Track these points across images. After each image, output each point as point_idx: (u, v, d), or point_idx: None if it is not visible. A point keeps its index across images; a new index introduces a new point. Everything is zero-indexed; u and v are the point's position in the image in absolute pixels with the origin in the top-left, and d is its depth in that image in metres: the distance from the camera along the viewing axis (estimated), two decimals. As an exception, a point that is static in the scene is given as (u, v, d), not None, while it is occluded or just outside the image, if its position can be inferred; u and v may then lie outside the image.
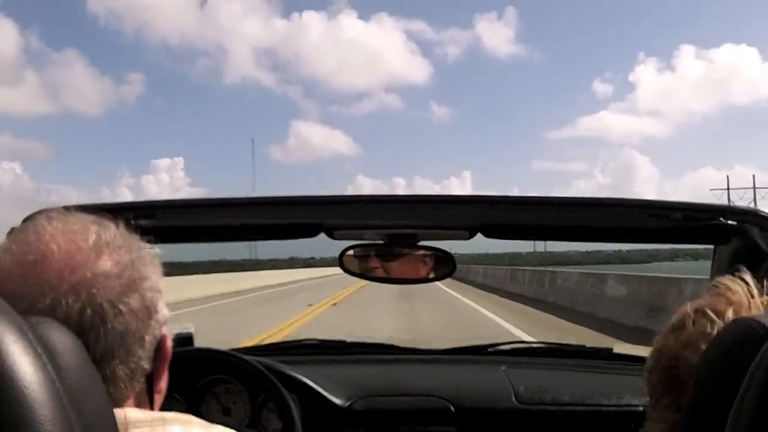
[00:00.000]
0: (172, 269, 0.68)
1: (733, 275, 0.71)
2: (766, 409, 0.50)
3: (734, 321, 0.62)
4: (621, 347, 1.72)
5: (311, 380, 1.48)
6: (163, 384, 0.68)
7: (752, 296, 0.67)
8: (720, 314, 0.66)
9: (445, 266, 1.43)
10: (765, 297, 0.67)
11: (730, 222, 1.28)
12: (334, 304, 17.74)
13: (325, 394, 1.48)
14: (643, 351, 1.65)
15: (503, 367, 1.64)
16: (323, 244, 1.42)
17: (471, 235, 1.40)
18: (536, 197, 1.42)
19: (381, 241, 1.41)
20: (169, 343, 0.67)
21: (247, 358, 1.36)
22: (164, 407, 0.68)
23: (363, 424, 1.49)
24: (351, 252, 1.42)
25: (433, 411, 1.49)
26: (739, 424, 0.51)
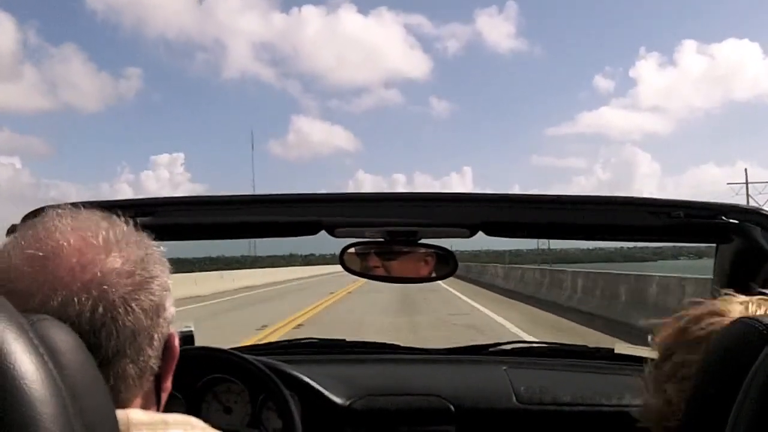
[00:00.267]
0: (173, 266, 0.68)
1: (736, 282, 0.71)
2: (767, 411, 0.50)
3: (735, 321, 0.61)
4: (622, 347, 1.71)
5: (311, 379, 1.48)
6: (169, 383, 0.68)
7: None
8: (722, 315, 0.66)
9: (446, 265, 1.42)
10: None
11: (731, 220, 1.28)
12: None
13: (326, 393, 1.48)
14: (644, 351, 1.65)
15: (504, 367, 1.64)
16: (323, 241, 1.42)
17: (472, 233, 1.40)
18: (537, 195, 1.42)
19: (381, 239, 1.41)
20: (177, 342, 0.67)
21: (248, 357, 1.36)
22: (165, 406, 0.68)
23: (363, 424, 1.49)
24: (352, 250, 1.42)
25: (434, 411, 1.49)
26: (739, 426, 0.51)
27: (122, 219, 0.66)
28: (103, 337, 0.58)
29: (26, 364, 0.46)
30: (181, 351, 0.69)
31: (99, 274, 0.59)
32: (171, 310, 0.66)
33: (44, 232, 0.61)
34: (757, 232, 1.25)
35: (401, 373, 1.67)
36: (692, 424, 0.62)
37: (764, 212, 1.28)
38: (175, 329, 0.68)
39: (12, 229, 0.69)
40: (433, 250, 1.41)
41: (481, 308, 14.89)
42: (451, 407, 1.48)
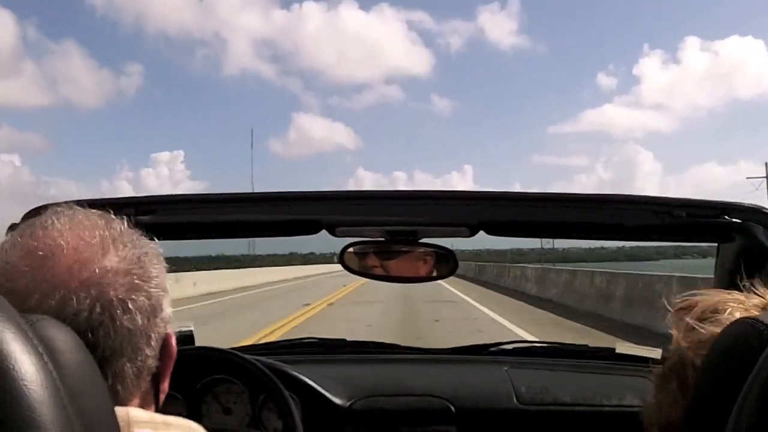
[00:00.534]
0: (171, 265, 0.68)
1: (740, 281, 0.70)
2: (767, 412, 0.49)
3: (736, 321, 0.61)
4: (623, 347, 1.71)
5: (312, 380, 1.48)
6: (167, 383, 0.68)
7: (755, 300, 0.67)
8: (723, 314, 0.66)
9: (446, 264, 1.42)
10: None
11: (734, 220, 1.27)
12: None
13: (326, 393, 1.48)
14: (645, 351, 1.65)
15: (504, 367, 1.64)
16: (323, 240, 1.42)
17: (473, 233, 1.40)
18: (539, 194, 1.42)
19: (382, 238, 1.41)
20: (174, 342, 0.67)
21: (248, 357, 1.35)
22: (164, 407, 0.68)
23: (363, 424, 1.49)
24: (351, 249, 1.42)
25: (434, 411, 1.49)
26: (740, 426, 0.51)
27: (120, 218, 0.66)
28: (100, 337, 0.58)
29: (25, 365, 0.45)
30: (180, 351, 0.69)
31: (96, 273, 0.59)
32: (168, 310, 0.66)
33: (42, 231, 0.61)
34: (760, 231, 1.25)
35: (402, 373, 1.67)
36: (693, 423, 0.62)
37: (766, 211, 1.27)
38: (173, 329, 0.67)
39: (12, 228, 0.69)
40: (433, 249, 1.41)
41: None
42: (452, 407, 1.48)
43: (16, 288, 0.57)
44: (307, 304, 16.09)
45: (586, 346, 1.86)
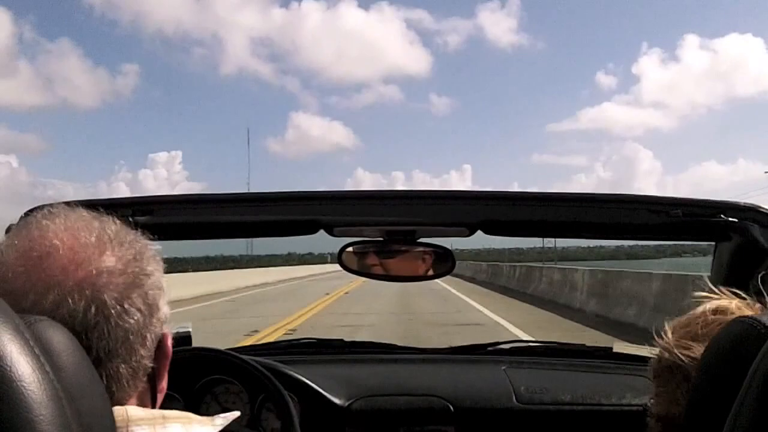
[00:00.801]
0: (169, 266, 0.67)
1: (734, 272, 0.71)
2: (766, 410, 0.49)
3: (734, 320, 0.61)
4: (621, 346, 1.71)
5: (310, 380, 1.48)
6: (164, 383, 0.68)
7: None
8: (722, 313, 0.66)
9: (444, 263, 1.42)
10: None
11: (730, 219, 1.28)
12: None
13: (325, 393, 1.48)
14: (643, 350, 1.65)
15: (503, 367, 1.64)
16: (322, 240, 1.42)
17: (471, 232, 1.40)
18: (537, 193, 1.42)
19: (380, 238, 1.41)
20: (170, 343, 0.67)
21: (246, 357, 1.35)
22: (163, 407, 0.68)
23: (362, 424, 1.49)
24: (350, 249, 1.42)
25: (433, 411, 1.49)
26: (739, 425, 0.51)
27: (117, 218, 0.66)
28: (95, 337, 0.58)
29: (23, 366, 0.45)
30: (178, 352, 0.69)
31: (92, 273, 0.59)
32: (165, 310, 0.66)
33: (38, 231, 0.61)
34: (756, 230, 1.25)
35: (400, 373, 1.67)
36: (692, 423, 0.62)
37: (763, 210, 1.28)
38: (169, 329, 0.67)
39: (9, 230, 0.69)
40: (431, 249, 1.41)
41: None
42: (451, 407, 1.48)
43: (11, 288, 0.57)
44: (255, 332, 10.20)
45: (584, 345, 1.86)
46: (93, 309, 0.58)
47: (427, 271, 1.42)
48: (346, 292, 20.82)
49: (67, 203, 0.67)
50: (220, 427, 0.66)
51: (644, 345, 1.60)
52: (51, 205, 0.66)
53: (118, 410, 0.57)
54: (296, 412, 1.29)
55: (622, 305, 10.50)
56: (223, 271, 30.33)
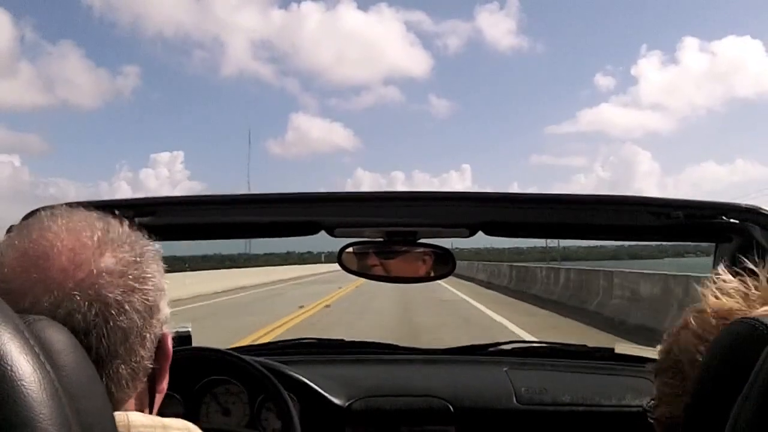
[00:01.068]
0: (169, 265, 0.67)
1: (735, 273, 0.70)
2: (767, 413, 0.49)
3: (735, 321, 0.61)
4: (622, 347, 1.71)
5: (310, 380, 1.48)
6: (164, 384, 0.68)
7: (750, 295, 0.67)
8: (723, 313, 0.66)
9: (445, 264, 1.42)
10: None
11: (731, 220, 1.28)
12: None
13: (325, 393, 1.48)
14: (644, 351, 1.65)
15: (504, 368, 1.64)
16: (322, 240, 1.42)
17: (471, 233, 1.40)
18: (537, 194, 1.42)
19: (380, 239, 1.41)
20: (170, 343, 0.67)
21: (246, 357, 1.35)
22: (163, 407, 0.68)
23: (362, 424, 1.49)
24: (350, 250, 1.42)
25: (433, 411, 1.49)
26: (740, 426, 0.51)
27: (119, 219, 0.66)
28: (94, 338, 0.58)
29: (23, 366, 0.45)
30: (179, 352, 0.69)
31: (92, 273, 0.59)
32: (165, 310, 0.66)
33: (38, 232, 0.61)
34: (757, 231, 1.25)
35: (401, 373, 1.67)
36: (693, 423, 0.62)
37: (764, 211, 1.28)
38: (169, 329, 0.67)
39: (11, 230, 0.69)
40: (431, 250, 1.41)
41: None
42: (451, 408, 1.48)
43: (11, 289, 0.57)
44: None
45: (585, 346, 1.86)
46: (93, 309, 0.58)
47: (428, 272, 1.42)
48: (328, 305, 15.62)
49: (70, 204, 0.67)
50: None
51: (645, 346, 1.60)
52: (53, 206, 0.66)
53: (119, 415, 0.57)
54: (296, 413, 1.29)
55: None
56: (195, 273, 25.48)
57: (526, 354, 1.81)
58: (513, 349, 1.84)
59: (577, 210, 1.38)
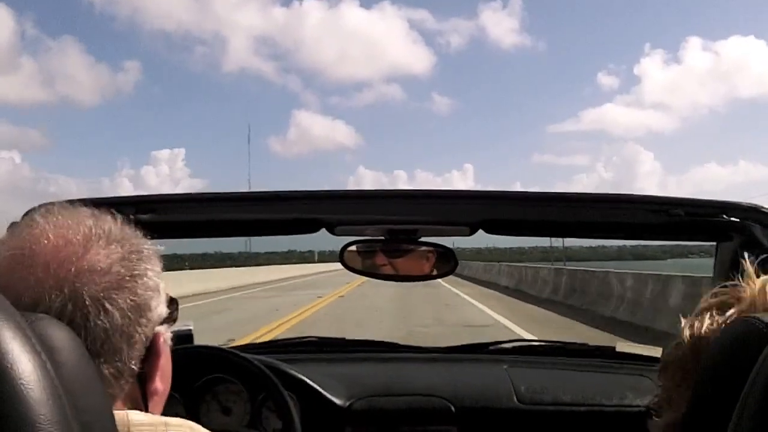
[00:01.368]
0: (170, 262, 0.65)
1: (741, 273, 0.70)
2: None
3: (736, 320, 0.61)
4: (623, 346, 1.71)
5: (311, 379, 1.48)
6: (159, 385, 0.66)
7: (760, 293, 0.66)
8: (724, 312, 0.66)
9: (447, 262, 1.42)
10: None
11: (732, 219, 1.27)
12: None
13: (325, 393, 1.47)
14: (645, 350, 1.64)
15: (504, 366, 1.63)
16: (323, 239, 1.42)
17: (472, 232, 1.40)
18: (537, 193, 1.42)
19: (382, 237, 1.41)
20: (163, 343, 0.66)
21: (247, 356, 1.35)
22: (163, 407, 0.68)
23: (363, 424, 1.48)
24: (352, 248, 1.42)
25: (434, 411, 1.48)
26: (742, 425, 0.51)
27: (114, 216, 0.65)
28: None
29: (24, 364, 0.45)
30: (179, 350, 0.69)
31: (73, 271, 0.58)
32: (160, 309, 0.65)
33: (27, 229, 0.61)
34: (758, 229, 1.25)
35: (402, 372, 1.67)
36: (693, 423, 0.61)
37: (764, 210, 1.27)
38: (166, 329, 0.67)
39: (11, 227, 0.69)
40: (433, 248, 1.41)
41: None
42: (452, 407, 1.48)
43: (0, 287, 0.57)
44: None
45: (586, 344, 1.85)
46: (70, 306, 0.57)
47: (431, 270, 1.42)
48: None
49: (71, 201, 0.67)
50: None
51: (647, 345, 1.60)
52: (50, 203, 0.66)
53: (119, 414, 0.56)
54: (297, 412, 1.29)
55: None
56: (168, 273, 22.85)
57: (526, 353, 1.81)
58: (514, 347, 1.84)
59: (578, 208, 1.38)
